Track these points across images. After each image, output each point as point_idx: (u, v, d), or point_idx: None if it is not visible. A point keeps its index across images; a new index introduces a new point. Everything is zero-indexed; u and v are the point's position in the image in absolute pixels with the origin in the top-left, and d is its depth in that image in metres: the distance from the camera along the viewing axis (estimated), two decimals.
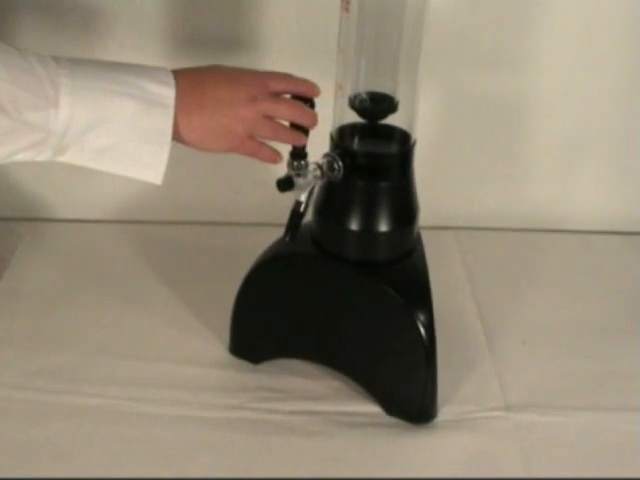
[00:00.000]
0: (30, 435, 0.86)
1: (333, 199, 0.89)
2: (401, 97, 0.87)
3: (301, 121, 0.81)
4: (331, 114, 0.88)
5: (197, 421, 0.89)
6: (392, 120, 0.88)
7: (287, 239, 0.86)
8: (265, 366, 0.95)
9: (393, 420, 0.91)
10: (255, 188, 1.21)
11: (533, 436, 0.89)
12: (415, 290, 0.89)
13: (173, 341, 0.99)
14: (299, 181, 0.83)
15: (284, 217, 0.87)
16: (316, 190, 0.89)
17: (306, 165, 0.83)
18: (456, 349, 1.00)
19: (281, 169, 0.84)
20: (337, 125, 0.89)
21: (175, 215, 1.23)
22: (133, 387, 0.92)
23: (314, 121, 0.82)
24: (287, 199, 0.86)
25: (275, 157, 0.82)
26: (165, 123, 0.73)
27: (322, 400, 0.92)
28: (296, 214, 0.85)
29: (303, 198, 0.85)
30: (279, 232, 0.88)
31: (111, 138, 0.72)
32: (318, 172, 0.84)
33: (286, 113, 0.80)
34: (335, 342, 0.93)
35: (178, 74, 0.75)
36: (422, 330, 0.87)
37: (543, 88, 1.21)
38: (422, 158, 1.17)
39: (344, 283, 0.90)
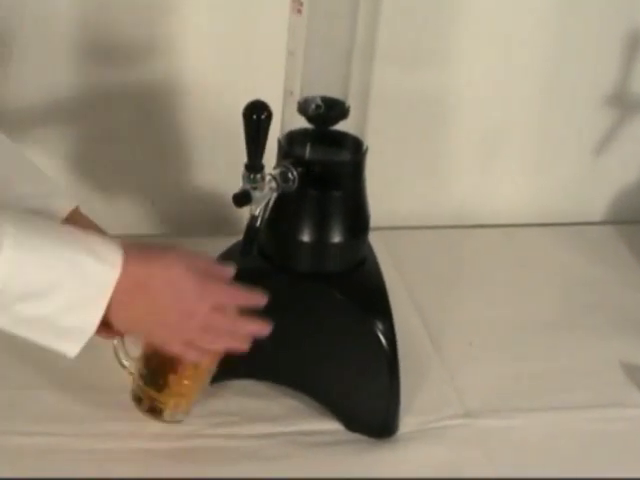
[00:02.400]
0: None
1: (283, 210, 0.85)
2: (352, 102, 0.84)
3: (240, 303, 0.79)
4: (279, 119, 0.84)
5: (147, 454, 0.83)
6: (343, 126, 0.85)
7: (243, 255, 0.81)
8: (216, 389, 0.90)
9: (355, 436, 0.88)
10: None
11: (497, 441, 0.88)
12: (373, 299, 0.87)
13: (111, 367, 0.92)
14: (256, 194, 0.78)
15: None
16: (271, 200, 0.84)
17: (262, 178, 0.78)
18: (404, 357, 0.95)
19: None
20: (285, 131, 0.84)
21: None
22: (69, 422, 0.85)
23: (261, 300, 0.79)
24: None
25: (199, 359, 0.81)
26: (92, 316, 0.70)
27: (280, 421, 0.88)
28: (252, 229, 0.80)
29: (258, 211, 0.80)
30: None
31: (40, 312, 0.69)
32: (274, 184, 0.80)
33: (228, 299, 0.78)
34: (291, 359, 0.88)
35: (127, 252, 0.71)
36: (383, 340, 0.84)
37: (463, 85, 1.22)
38: None
39: (298, 297, 0.86)
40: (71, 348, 0.71)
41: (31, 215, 0.74)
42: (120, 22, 1.08)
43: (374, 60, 0.82)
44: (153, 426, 0.85)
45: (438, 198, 1.27)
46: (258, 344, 0.85)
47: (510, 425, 0.90)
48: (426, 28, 1.16)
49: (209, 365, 0.83)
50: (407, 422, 0.89)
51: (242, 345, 0.78)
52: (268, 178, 0.79)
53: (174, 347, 0.77)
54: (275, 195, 0.81)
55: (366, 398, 0.87)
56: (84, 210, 0.86)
